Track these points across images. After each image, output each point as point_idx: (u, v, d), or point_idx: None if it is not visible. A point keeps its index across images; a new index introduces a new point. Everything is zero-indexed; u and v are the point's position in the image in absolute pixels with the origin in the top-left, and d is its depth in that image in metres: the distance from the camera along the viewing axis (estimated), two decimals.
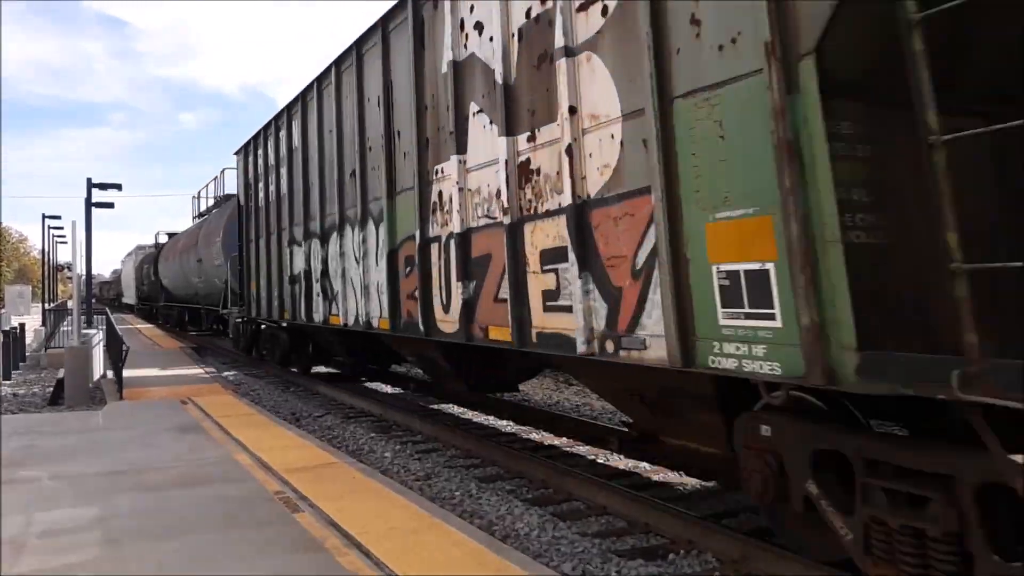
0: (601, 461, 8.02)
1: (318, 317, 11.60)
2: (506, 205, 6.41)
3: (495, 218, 6.67)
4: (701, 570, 4.98)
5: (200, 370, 16.09)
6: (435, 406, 11.91)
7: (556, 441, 9.11)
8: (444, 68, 7.49)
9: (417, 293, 8.04)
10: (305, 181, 12.11)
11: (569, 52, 5.58)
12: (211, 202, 31.98)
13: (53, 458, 7.32)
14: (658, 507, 5.82)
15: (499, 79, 6.51)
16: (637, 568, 4.97)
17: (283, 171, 13.26)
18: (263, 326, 16.35)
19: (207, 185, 30.89)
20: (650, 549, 5.34)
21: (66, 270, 51.08)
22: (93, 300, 42.55)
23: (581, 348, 5.43)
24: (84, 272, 21.43)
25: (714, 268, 4.30)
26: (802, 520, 4.47)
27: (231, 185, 24.32)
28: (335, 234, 10.79)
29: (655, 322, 4.76)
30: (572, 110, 5.55)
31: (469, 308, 7.09)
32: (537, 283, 6.06)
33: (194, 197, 34.24)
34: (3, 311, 25.20)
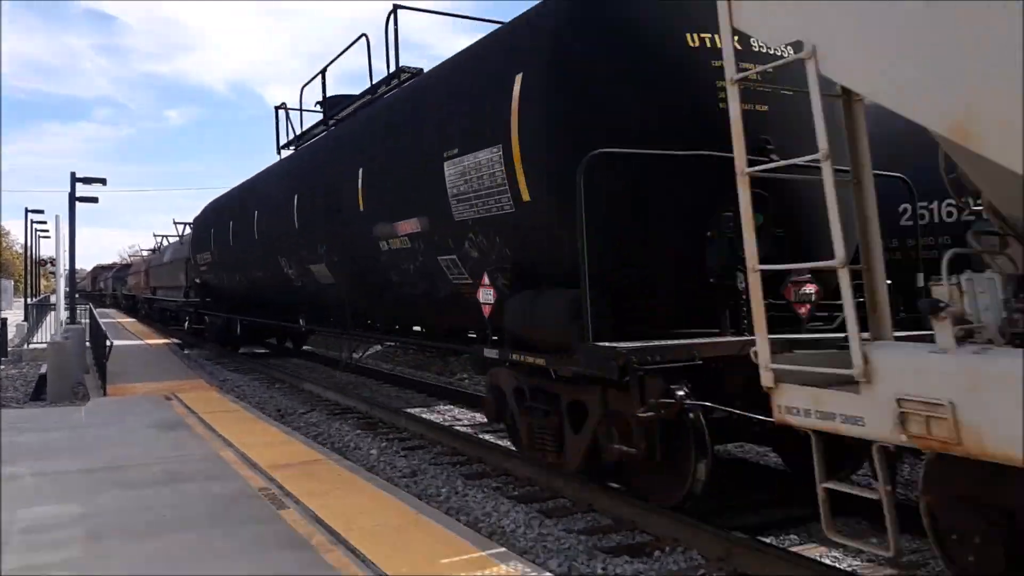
0: None
1: None
2: None
3: None
4: (686, 567, 5.00)
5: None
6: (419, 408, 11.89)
7: None
8: None
9: None
10: None
11: None
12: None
13: (35, 455, 7.25)
14: (644, 505, 5.83)
15: None
16: (622, 565, 4.99)
17: None
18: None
19: None
20: (635, 546, 5.36)
21: (49, 265, 50.37)
22: (78, 296, 41.50)
23: None
24: (68, 267, 21.21)
25: None
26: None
27: None
28: None
29: None
30: None
31: None
32: None
33: None
34: None
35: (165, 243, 38.15)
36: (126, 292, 51.93)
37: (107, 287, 67.29)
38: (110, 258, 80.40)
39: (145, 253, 64.85)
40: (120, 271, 60.90)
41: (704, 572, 4.92)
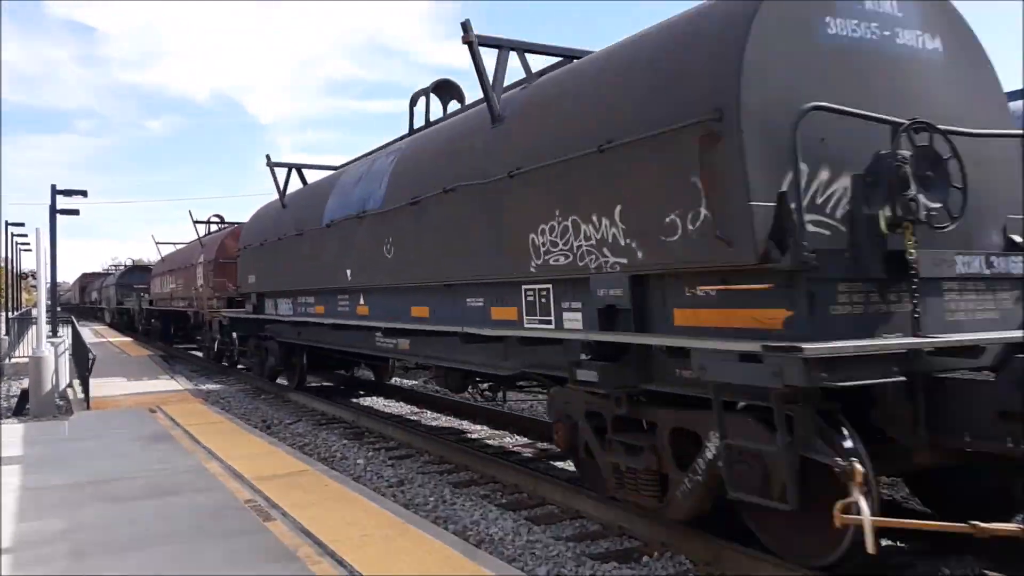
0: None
1: None
2: None
3: None
4: (674, 572, 5.01)
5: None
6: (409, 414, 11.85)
7: (530, 445, 9.11)
8: None
9: None
10: None
11: None
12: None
13: (17, 470, 7.17)
14: (632, 510, 5.83)
15: None
16: (611, 571, 4.98)
17: None
18: None
19: None
20: (624, 552, 5.36)
21: (30, 278, 49.69)
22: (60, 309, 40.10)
23: None
24: (49, 280, 21.01)
25: None
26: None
27: None
28: None
29: None
30: None
31: None
32: None
33: None
34: None
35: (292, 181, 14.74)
36: (149, 307, 30.97)
37: (104, 299, 46.62)
38: (93, 270, 66.09)
39: (115, 266, 49.00)
40: (129, 276, 40.42)
41: None
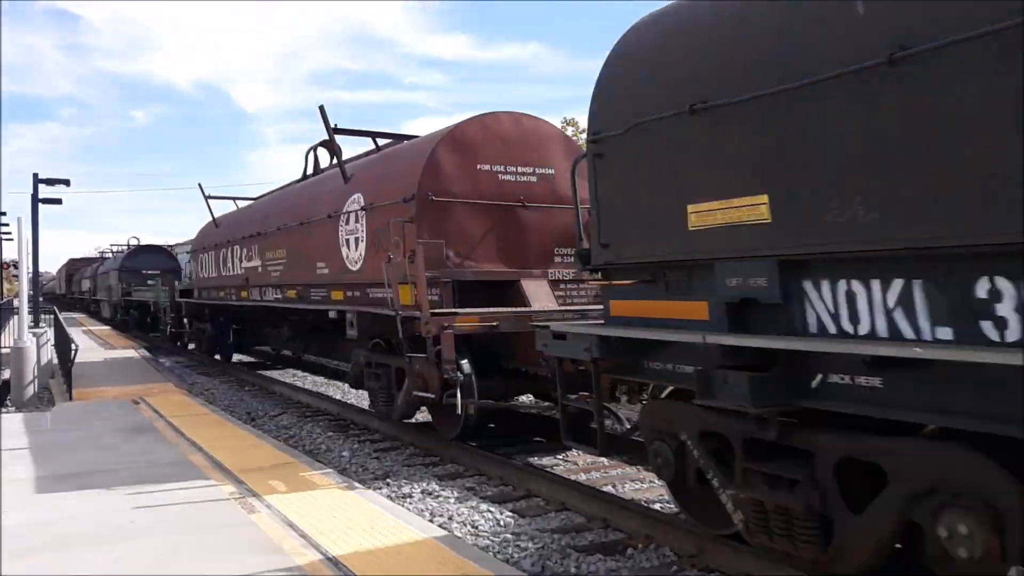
0: (560, 457, 8.05)
1: None
2: None
3: None
4: (659, 564, 5.03)
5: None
6: None
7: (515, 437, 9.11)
8: None
9: None
10: None
11: None
12: None
13: None
14: (617, 503, 5.86)
15: None
16: (596, 563, 5.00)
17: None
18: None
19: None
20: (609, 544, 5.38)
21: (12, 268, 48.91)
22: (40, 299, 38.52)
23: None
24: (31, 270, 20.69)
25: None
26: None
27: None
28: None
29: None
30: None
31: None
32: None
33: None
34: None
35: None
36: (188, 300, 19.86)
37: (102, 289, 37.11)
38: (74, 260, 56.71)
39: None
40: (137, 258, 31.99)
41: (677, 569, 4.95)
